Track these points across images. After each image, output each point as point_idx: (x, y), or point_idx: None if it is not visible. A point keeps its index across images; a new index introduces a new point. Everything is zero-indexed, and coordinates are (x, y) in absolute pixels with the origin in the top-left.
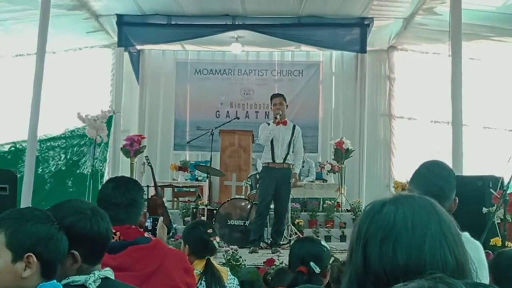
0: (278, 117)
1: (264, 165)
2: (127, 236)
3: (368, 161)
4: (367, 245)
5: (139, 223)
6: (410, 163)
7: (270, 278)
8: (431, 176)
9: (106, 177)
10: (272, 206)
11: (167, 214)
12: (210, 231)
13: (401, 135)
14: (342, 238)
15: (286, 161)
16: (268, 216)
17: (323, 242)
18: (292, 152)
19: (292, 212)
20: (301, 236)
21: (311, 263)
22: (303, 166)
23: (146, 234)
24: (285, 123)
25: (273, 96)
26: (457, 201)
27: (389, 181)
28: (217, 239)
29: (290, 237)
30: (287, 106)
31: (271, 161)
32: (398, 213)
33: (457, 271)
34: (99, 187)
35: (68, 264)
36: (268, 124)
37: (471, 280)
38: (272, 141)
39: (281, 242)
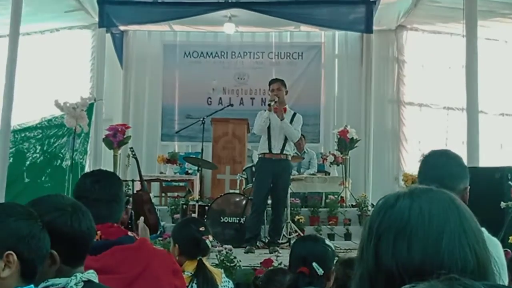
0: (272, 103)
1: (260, 156)
2: (109, 235)
3: (375, 151)
4: (380, 241)
5: (120, 221)
6: (421, 154)
7: (260, 282)
8: (427, 167)
9: (87, 171)
10: (269, 201)
11: (154, 211)
12: (202, 229)
13: (411, 123)
14: (347, 236)
15: (284, 152)
16: (265, 213)
17: (327, 241)
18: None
19: (292, 208)
20: (301, 234)
21: (314, 264)
22: (303, 158)
23: (129, 233)
24: (284, 110)
25: (272, 81)
26: (468, 189)
27: (398, 174)
28: (210, 238)
29: (289, 235)
30: (287, 92)
31: (267, 151)
32: (413, 207)
33: (477, 272)
34: None
35: (46, 265)
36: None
37: (493, 281)
38: (269, 130)
39: (280, 241)
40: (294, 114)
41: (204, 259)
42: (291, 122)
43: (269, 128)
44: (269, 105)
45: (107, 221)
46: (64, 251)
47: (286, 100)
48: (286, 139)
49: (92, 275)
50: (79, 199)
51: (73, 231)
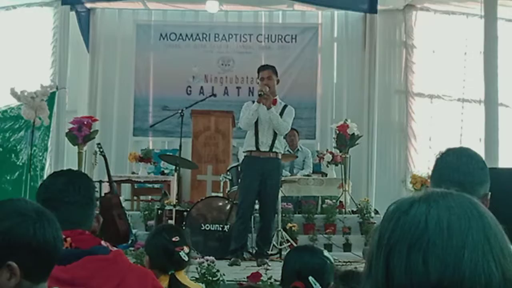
0: (262, 94)
1: (246, 154)
2: (80, 243)
3: (379, 150)
4: (391, 255)
5: (92, 229)
6: (432, 152)
7: None
8: (445, 168)
9: (47, 170)
10: (257, 206)
11: (125, 217)
12: (176, 239)
13: (421, 117)
14: (346, 246)
15: (274, 149)
16: (252, 219)
17: (325, 253)
18: (284, 138)
19: (283, 214)
20: (294, 244)
21: (310, 278)
22: (296, 156)
23: (103, 243)
24: (274, 102)
25: (261, 68)
26: (489, 197)
27: (405, 175)
28: (186, 249)
29: (280, 245)
30: (278, 81)
31: (254, 149)
32: (430, 214)
33: None
34: (38, 182)
35: (3, 278)
36: (254, 102)
37: None
38: (256, 124)
39: (269, 252)
40: (285, 107)
41: (182, 273)
42: (281, 115)
43: (256, 122)
44: (259, 95)
45: (78, 228)
46: (25, 264)
47: (277, 90)
48: (276, 135)
49: None
50: (48, 201)
51: (37, 241)
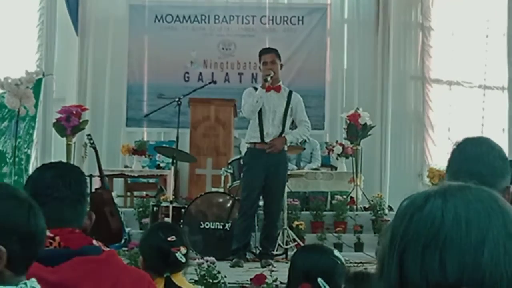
0: (268, 79)
1: (249, 146)
2: (69, 242)
3: (393, 141)
4: (405, 254)
5: (83, 227)
6: (451, 143)
7: None
8: (463, 159)
9: (33, 164)
10: (261, 202)
11: (117, 214)
12: (172, 238)
13: (439, 105)
14: (358, 246)
15: None
16: (256, 217)
17: (336, 252)
18: (290, 129)
19: (289, 211)
20: (301, 243)
21: (319, 280)
22: (303, 148)
23: (95, 242)
24: (278, 89)
25: (263, 52)
26: (511, 190)
27: (422, 169)
28: (183, 250)
29: (286, 245)
30: (281, 66)
31: (258, 140)
32: (447, 209)
33: None
34: (23, 177)
35: None
36: (256, 89)
37: None
38: (260, 113)
39: (274, 252)
40: (290, 93)
41: (179, 276)
42: (287, 104)
43: (260, 111)
44: (265, 80)
45: (68, 226)
46: (12, 250)
47: (282, 76)
48: (282, 126)
49: (37, 285)
50: (36, 197)
51: (29, 227)
